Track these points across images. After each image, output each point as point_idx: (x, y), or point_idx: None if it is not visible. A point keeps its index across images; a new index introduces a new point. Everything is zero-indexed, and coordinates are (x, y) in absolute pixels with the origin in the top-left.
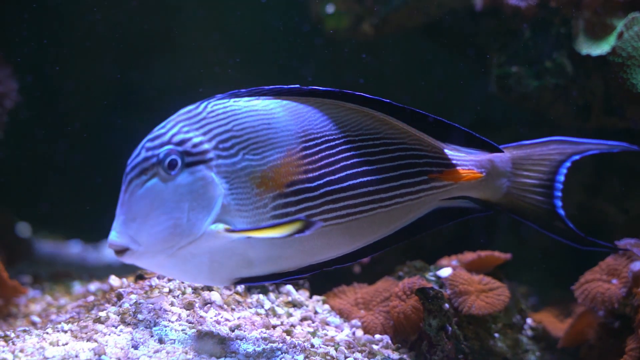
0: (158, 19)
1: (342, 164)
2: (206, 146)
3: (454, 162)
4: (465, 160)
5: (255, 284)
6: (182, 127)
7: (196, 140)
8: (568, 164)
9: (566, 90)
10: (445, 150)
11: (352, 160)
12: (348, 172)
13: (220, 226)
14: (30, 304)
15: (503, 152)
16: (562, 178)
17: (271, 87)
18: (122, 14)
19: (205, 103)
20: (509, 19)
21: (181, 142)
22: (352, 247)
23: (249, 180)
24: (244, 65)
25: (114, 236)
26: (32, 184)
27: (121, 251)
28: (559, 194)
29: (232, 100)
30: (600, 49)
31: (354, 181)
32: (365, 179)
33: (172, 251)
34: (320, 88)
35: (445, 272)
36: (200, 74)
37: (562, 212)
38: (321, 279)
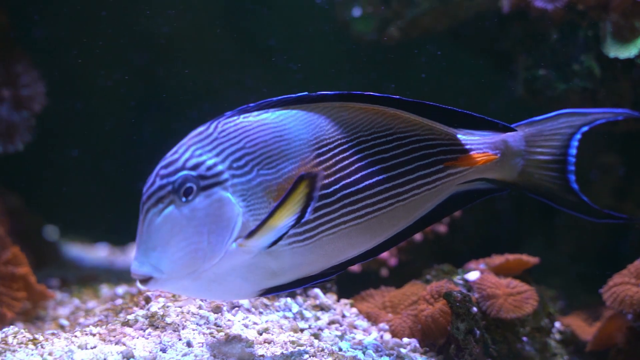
0: (186, 22)
1: (356, 165)
2: (220, 167)
3: (467, 147)
4: (479, 143)
5: (282, 292)
6: (194, 150)
7: (210, 162)
8: (578, 136)
9: (594, 93)
10: (459, 136)
11: (366, 161)
12: (363, 172)
13: (240, 240)
14: (59, 307)
15: (516, 131)
16: (574, 151)
17: (279, 97)
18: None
19: (215, 123)
20: (536, 22)
21: (195, 167)
22: (374, 243)
23: (266, 194)
24: (268, 69)
25: (136, 266)
26: (59, 187)
27: (145, 280)
28: (572, 167)
29: (242, 116)
30: (628, 52)
31: (370, 181)
32: (381, 176)
33: (196, 275)
34: (329, 92)
35: (473, 275)
36: (226, 77)
37: (575, 186)
38: (349, 282)
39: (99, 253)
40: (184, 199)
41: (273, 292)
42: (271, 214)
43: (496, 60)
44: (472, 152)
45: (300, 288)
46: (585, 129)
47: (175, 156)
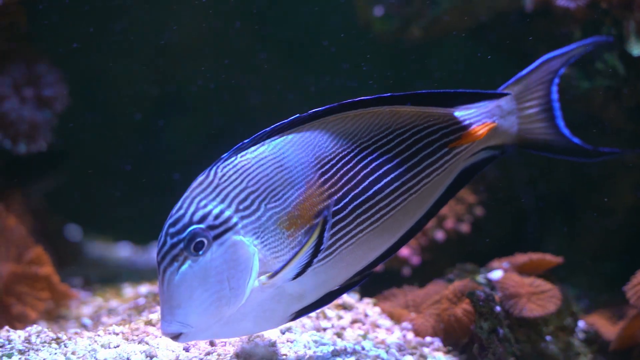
0: (205, 24)
1: (362, 173)
2: (227, 213)
3: (467, 122)
4: (476, 115)
5: (312, 311)
6: (198, 202)
7: (216, 211)
8: (557, 79)
9: (618, 91)
10: (455, 114)
11: (371, 166)
12: (371, 178)
13: (262, 278)
14: (82, 306)
15: (508, 94)
16: (556, 96)
17: (272, 126)
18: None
19: (214, 169)
20: (559, 21)
21: (202, 219)
22: (394, 240)
23: (278, 226)
24: (288, 68)
25: (164, 326)
26: (81, 186)
27: (176, 336)
28: (558, 113)
29: (239, 155)
30: None
31: (379, 184)
32: (388, 177)
33: (225, 319)
34: (320, 109)
35: (496, 274)
36: (247, 78)
37: (566, 131)
38: (371, 281)
39: (121, 252)
40: (198, 254)
41: (303, 313)
42: (290, 261)
43: (519, 59)
44: (472, 127)
45: (331, 303)
46: (562, 70)
47: (181, 212)
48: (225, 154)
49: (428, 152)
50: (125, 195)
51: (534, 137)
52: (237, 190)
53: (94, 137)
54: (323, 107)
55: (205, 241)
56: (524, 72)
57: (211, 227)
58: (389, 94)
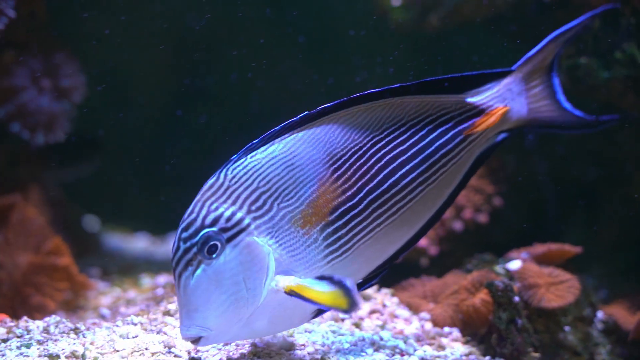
0: (224, 15)
1: (376, 167)
2: (239, 214)
3: (479, 109)
4: (488, 100)
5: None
6: (209, 205)
7: (227, 213)
8: (560, 51)
9: (637, 81)
10: (467, 100)
11: (385, 159)
12: (385, 172)
13: (280, 282)
14: (100, 297)
15: (515, 71)
16: (555, 72)
17: (281, 125)
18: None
19: (224, 171)
20: (577, 10)
21: (214, 222)
22: (413, 231)
23: (292, 225)
24: (305, 59)
25: (184, 330)
26: (99, 177)
27: (196, 340)
28: (559, 88)
29: (249, 156)
30: None
31: (394, 177)
32: (403, 170)
33: (244, 321)
34: (329, 104)
35: (514, 264)
36: (266, 69)
37: (567, 105)
38: (389, 272)
39: (139, 243)
40: (212, 257)
41: (325, 310)
42: (308, 291)
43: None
44: (485, 112)
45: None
46: (561, 49)
47: (193, 216)
48: (235, 155)
49: (443, 141)
50: (143, 186)
51: (543, 115)
52: (248, 191)
53: (112, 127)
54: (332, 103)
55: (219, 244)
56: (532, 52)
57: (224, 230)
58: (397, 84)
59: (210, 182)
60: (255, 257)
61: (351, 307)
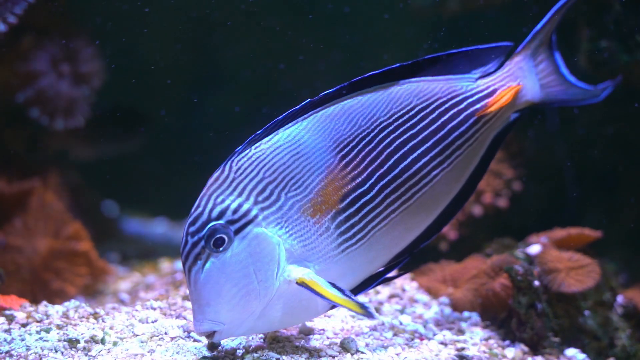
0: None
1: (386, 152)
2: (246, 206)
3: (491, 88)
4: (500, 79)
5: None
6: (215, 198)
7: (234, 205)
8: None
9: None
10: (478, 81)
11: (395, 144)
12: (395, 156)
13: (292, 272)
14: (119, 282)
15: (524, 48)
16: (555, 47)
17: (284, 114)
18: None
19: (228, 163)
20: None
21: (220, 214)
22: (431, 217)
23: (302, 214)
24: (326, 43)
25: (197, 326)
26: (118, 162)
27: (210, 334)
28: (560, 62)
29: (253, 147)
30: None
31: (405, 162)
32: (415, 154)
33: (257, 313)
34: (331, 90)
35: (534, 249)
36: (283, 52)
37: (572, 78)
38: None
39: (158, 227)
40: (219, 250)
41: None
42: (327, 293)
43: (558, 31)
44: (497, 92)
45: (372, 287)
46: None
47: (199, 209)
48: (239, 147)
49: (455, 123)
50: (162, 171)
51: (552, 90)
52: (254, 182)
53: (131, 112)
54: (334, 89)
55: (226, 237)
56: (539, 26)
57: (231, 222)
58: (397, 64)
59: (215, 175)
60: (265, 249)
61: (366, 315)
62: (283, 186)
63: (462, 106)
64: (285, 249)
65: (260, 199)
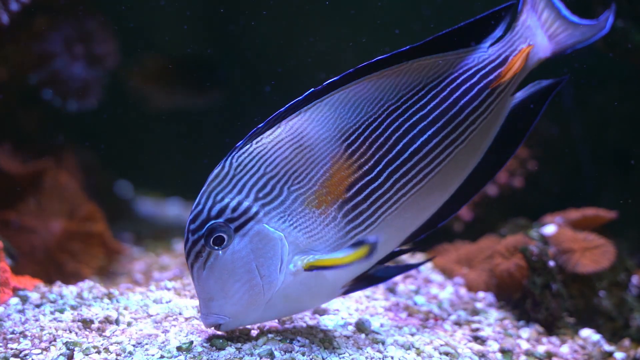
0: None
1: (394, 137)
2: (246, 204)
3: (503, 57)
4: (509, 45)
5: (368, 286)
6: (215, 196)
7: (233, 203)
8: None
9: None
10: (488, 51)
11: (403, 127)
12: (404, 141)
13: (298, 262)
14: (133, 262)
15: (524, 4)
16: None
17: (286, 106)
18: None
19: (229, 159)
20: None
21: (220, 213)
22: (446, 195)
23: (306, 207)
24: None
25: (203, 319)
26: (132, 143)
27: (217, 326)
28: (559, 4)
29: (255, 142)
30: None
31: (415, 145)
32: (425, 135)
33: (263, 306)
34: (335, 78)
35: (549, 229)
36: (300, 31)
37: (575, 18)
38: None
39: (172, 208)
40: (219, 247)
41: (358, 287)
42: (329, 260)
43: (572, 11)
44: (509, 59)
45: (398, 275)
46: None
47: (199, 208)
48: (240, 142)
49: (468, 99)
50: (176, 152)
51: (561, 37)
52: (254, 179)
53: (144, 93)
54: (338, 76)
55: (225, 235)
56: None
57: (230, 220)
58: (407, 46)
59: (215, 171)
60: (267, 244)
61: (372, 250)
62: (285, 180)
63: (474, 79)
64: (289, 242)
65: (261, 195)
